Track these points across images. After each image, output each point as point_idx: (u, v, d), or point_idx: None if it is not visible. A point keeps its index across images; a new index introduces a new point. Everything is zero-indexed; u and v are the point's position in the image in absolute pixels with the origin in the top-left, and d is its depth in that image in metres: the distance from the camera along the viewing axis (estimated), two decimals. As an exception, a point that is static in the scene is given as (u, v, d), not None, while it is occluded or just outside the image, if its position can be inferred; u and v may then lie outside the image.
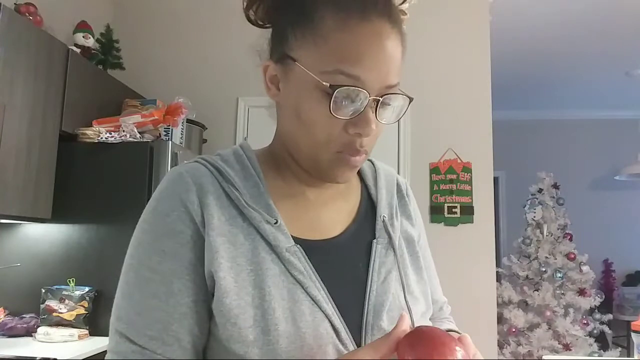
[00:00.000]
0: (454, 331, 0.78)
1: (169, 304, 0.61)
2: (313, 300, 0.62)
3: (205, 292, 0.62)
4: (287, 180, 0.71)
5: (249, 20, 0.71)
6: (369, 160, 0.82)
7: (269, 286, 0.61)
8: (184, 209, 0.63)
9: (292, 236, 0.65)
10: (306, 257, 0.65)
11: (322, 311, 0.62)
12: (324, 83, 0.60)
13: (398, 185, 0.81)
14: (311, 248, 0.66)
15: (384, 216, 0.74)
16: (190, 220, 0.63)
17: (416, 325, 0.66)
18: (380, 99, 0.62)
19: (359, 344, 0.63)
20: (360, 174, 0.80)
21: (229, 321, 0.60)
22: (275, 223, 0.65)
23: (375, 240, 0.71)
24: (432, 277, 0.83)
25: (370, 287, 0.67)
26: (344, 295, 0.65)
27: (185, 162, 0.71)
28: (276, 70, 0.67)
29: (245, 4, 0.70)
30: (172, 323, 0.61)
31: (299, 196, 0.71)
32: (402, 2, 0.69)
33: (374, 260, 0.69)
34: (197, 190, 0.64)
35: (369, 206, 0.76)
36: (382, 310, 0.65)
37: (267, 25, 0.71)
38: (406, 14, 0.70)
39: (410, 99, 0.66)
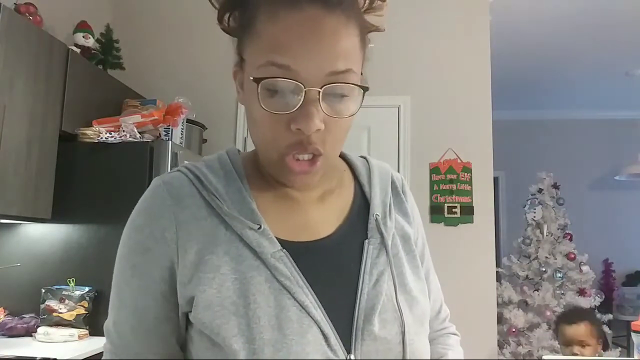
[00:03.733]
0: None
1: (134, 317, 0.64)
2: (301, 305, 0.60)
3: (173, 308, 0.63)
4: (272, 184, 0.69)
5: (226, 31, 0.70)
6: (363, 158, 0.80)
7: (254, 294, 0.59)
8: (157, 225, 0.63)
9: (278, 239, 0.64)
10: (292, 261, 0.63)
11: (311, 317, 0.60)
12: (250, 77, 0.58)
13: (393, 182, 0.78)
14: (299, 250, 0.64)
15: (376, 215, 0.71)
16: (162, 237, 0.63)
17: (412, 329, 0.64)
18: (320, 90, 0.58)
19: (349, 350, 0.61)
20: (353, 172, 0.77)
21: (212, 332, 0.59)
22: (259, 228, 0.63)
23: (367, 241, 0.69)
24: (432, 285, 0.80)
25: (361, 290, 0.64)
26: (333, 299, 0.63)
27: (169, 171, 0.71)
28: (240, 75, 0.67)
29: (217, 18, 0.69)
30: (138, 335, 0.64)
31: (284, 198, 0.69)
32: None
33: (365, 262, 0.67)
34: (173, 204, 0.64)
35: (362, 205, 0.73)
36: (373, 314, 0.63)
37: None
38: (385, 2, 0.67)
39: (364, 89, 0.61)
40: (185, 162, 0.71)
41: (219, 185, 0.66)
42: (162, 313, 0.64)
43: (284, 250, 0.63)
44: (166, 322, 0.64)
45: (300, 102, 0.58)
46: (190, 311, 0.61)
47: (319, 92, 0.58)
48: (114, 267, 0.68)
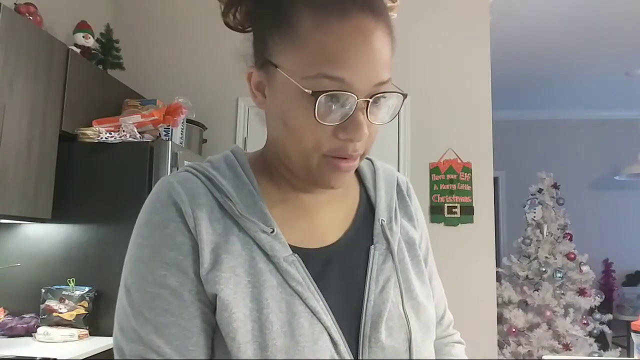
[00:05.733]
0: None
1: (183, 317, 0.59)
2: (312, 312, 0.59)
3: (209, 304, 0.60)
4: (280, 186, 0.68)
5: (229, 26, 0.67)
6: (368, 159, 0.78)
7: (267, 299, 0.59)
8: (181, 219, 0.60)
9: (289, 245, 0.63)
10: (304, 266, 0.62)
11: (322, 323, 0.59)
12: (305, 90, 0.57)
13: (398, 185, 0.78)
14: (309, 257, 0.63)
15: (382, 220, 0.71)
16: (188, 230, 0.60)
17: (418, 336, 0.64)
18: (370, 100, 0.58)
19: (356, 357, 0.61)
20: (358, 174, 0.76)
21: (228, 335, 0.58)
22: (272, 232, 0.62)
23: (373, 246, 0.68)
24: (436, 289, 0.79)
25: (368, 296, 0.64)
26: (341, 306, 0.62)
27: (175, 171, 0.68)
28: (260, 77, 0.64)
29: (222, 10, 0.66)
30: (190, 337, 0.58)
31: (293, 202, 0.68)
32: None
33: (372, 268, 0.66)
34: (189, 201, 0.61)
35: (367, 209, 0.73)
36: (379, 322, 0.62)
37: (248, 30, 0.67)
38: (395, 1, 0.67)
39: (404, 95, 0.61)
40: (186, 162, 0.70)
41: (229, 187, 0.64)
42: (205, 307, 0.60)
43: (296, 254, 0.62)
44: (211, 317, 0.60)
45: (351, 113, 0.58)
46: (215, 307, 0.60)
47: (368, 102, 0.58)
48: (128, 278, 0.61)
